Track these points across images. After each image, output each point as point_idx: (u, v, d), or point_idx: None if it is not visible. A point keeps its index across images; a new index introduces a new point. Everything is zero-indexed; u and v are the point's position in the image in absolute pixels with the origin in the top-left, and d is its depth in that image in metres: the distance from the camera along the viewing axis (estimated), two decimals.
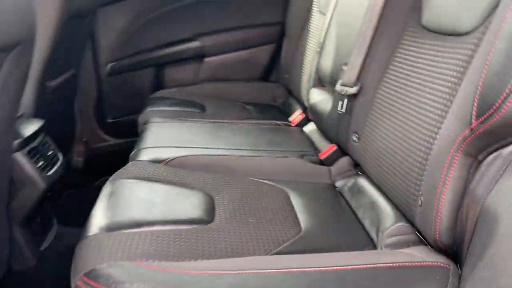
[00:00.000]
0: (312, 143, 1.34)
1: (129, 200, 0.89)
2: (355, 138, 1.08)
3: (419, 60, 0.89)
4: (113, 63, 1.95)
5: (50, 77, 1.46)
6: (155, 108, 1.62)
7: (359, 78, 1.08)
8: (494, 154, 0.62)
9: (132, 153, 1.20)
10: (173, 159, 1.12)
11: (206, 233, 0.81)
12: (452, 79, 0.75)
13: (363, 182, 1.03)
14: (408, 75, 0.92)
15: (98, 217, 0.83)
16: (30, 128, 1.20)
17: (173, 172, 1.04)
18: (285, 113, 1.71)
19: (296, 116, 1.54)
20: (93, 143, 2.02)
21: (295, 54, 1.80)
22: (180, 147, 1.20)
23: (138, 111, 1.74)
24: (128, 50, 1.96)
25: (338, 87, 1.12)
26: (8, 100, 0.91)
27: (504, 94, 0.56)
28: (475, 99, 0.62)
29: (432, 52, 0.86)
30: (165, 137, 1.28)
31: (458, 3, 0.81)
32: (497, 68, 0.59)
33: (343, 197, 1.05)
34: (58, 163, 1.28)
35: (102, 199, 0.90)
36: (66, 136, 1.86)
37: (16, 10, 0.84)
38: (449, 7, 0.84)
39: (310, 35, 1.68)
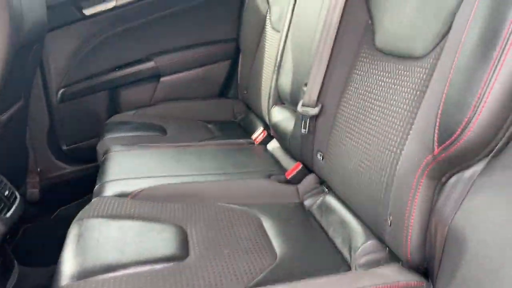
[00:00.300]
0: (277, 162, 1.36)
1: (99, 242, 0.86)
2: (319, 157, 1.10)
3: (376, 82, 0.93)
4: (64, 89, 1.88)
5: (0, 111, 1.39)
6: (113, 135, 1.58)
7: (319, 98, 1.11)
8: (457, 176, 0.66)
9: (96, 187, 1.16)
10: (140, 191, 1.09)
11: (183, 270, 0.80)
12: (411, 103, 0.78)
13: (331, 200, 1.06)
14: (366, 96, 0.95)
15: (68, 264, 0.80)
16: None
17: (141, 206, 1.02)
18: (247, 130, 1.72)
19: (259, 134, 1.55)
20: (48, 172, 1.94)
21: (252, 70, 1.82)
22: (145, 177, 1.17)
23: (94, 136, 1.68)
24: (79, 75, 1.90)
25: (299, 108, 1.15)
26: None
27: (464, 123, 0.59)
28: (436, 127, 0.65)
29: (387, 74, 0.89)
30: (128, 167, 1.25)
31: (410, 26, 0.85)
32: (454, 98, 0.62)
33: (313, 216, 1.07)
34: (16, 203, 1.22)
35: (70, 243, 0.87)
36: (20, 169, 1.77)
37: None
38: (401, 30, 0.88)
39: (265, 52, 1.70)
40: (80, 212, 1.00)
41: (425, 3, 0.82)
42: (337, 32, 1.08)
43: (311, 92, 1.12)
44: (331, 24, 1.08)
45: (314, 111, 1.10)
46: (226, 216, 1.00)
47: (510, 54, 0.55)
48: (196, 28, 2.01)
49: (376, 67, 0.95)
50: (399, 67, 0.86)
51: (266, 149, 1.47)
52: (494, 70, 0.56)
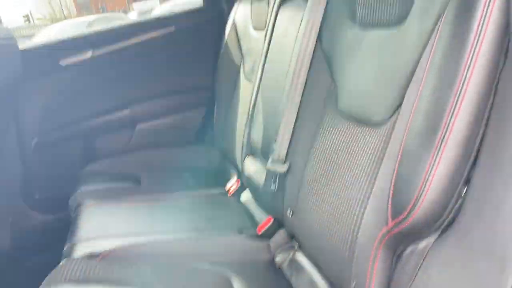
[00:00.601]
0: (250, 215, 1.37)
1: None
2: (290, 212, 1.12)
3: (339, 144, 0.96)
4: (38, 138, 1.88)
5: None
6: (86, 187, 1.57)
7: (287, 156, 1.14)
8: (411, 248, 0.68)
9: (66, 248, 1.15)
10: (110, 252, 1.09)
11: None
12: (369, 171, 0.81)
13: (301, 257, 1.07)
14: (331, 157, 0.99)
15: None
16: None
17: (110, 268, 1.01)
18: (222, 179, 1.74)
19: (232, 184, 1.57)
20: (20, 222, 1.90)
21: (226, 119, 1.85)
22: (115, 236, 1.17)
23: (68, 184, 1.67)
24: (54, 124, 1.90)
25: (269, 164, 1.17)
26: None
27: (413, 201, 0.63)
28: (389, 202, 0.69)
29: (349, 138, 0.93)
30: (98, 225, 1.25)
31: (367, 93, 0.90)
32: (404, 176, 0.66)
33: (283, 274, 1.08)
34: None
35: None
36: None
37: None
38: (360, 96, 0.92)
39: (239, 101, 1.74)
40: (48, 277, 0.98)
41: (382, 73, 0.86)
42: (303, 93, 1.13)
43: (280, 149, 1.15)
44: (298, 84, 1.13)
45: (282, 168, 1.13)
46: (197, 279, 1.00)
47: (452, 138, 0.59)
48: (172, 76, 2.06)
49: (339, 129, 0.99)
50: (359, 132, 0.90)
51: (238, 201, 1.49)
52: (438, 153, 0.60)
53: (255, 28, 1.69)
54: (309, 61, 1.11)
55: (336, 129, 0.99)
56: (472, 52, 0.59)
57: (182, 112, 2.06)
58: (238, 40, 1.85)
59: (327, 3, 1.10)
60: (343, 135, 0.96)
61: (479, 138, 0.59)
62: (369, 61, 0.90)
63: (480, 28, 0.59)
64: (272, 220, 1.24)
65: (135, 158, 1.92)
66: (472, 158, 0.60)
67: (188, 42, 2.03)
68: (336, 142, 0.98)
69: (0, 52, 1.51)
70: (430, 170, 0.61)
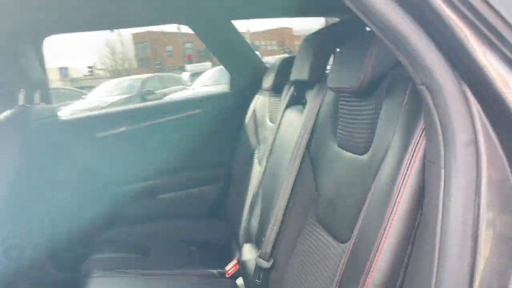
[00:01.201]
0: None
1: None
2: None
3: (317, 250, 1.04)
4: (68, 200, 2.06)
5: None
6: (99, 255, 1.70)
7: (272, 253, 1.22)
8: None
9: None
10: None
11: None
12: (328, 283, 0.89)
13: None
14: (309, 261, 1.06)
15: None
16: None
17: None
18: (227, 256, 1.82)
19: (231, 267, 1.64)
20: (40, 278, 2.05)
21: (238, 198, 1.97)
22: None
23: (86, 247, 1.81)
24: (85, 188, 2.10)
25: (257, 259, 1.26)
26: None
27: None
28: None
29: (323, 247, 1.01)
30: None
31: (336, 210, 0.99)
32: None
33: None
34: None
35: None
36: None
37: None
38: (331, 211, 1.01)
39: (250, 185, 1.86)
40: None
41: (347, 194, 0.96)
42: (291, 193, 1.23)
43: (266, 245, 1.24)
44: (286, 188, 1.23)
45: (266, 265, 1.21)
46: None
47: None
48: (193, 152, 2.23)
49: (316, 235, 1.07)
50: (330, 244, 0.98)
51: (234, 284, 1.56)
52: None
53: (270, 120, 1.83)
54: (299, 165, 1.23)
55: (314, 236, 1.07)
56: (401, 182, 0.69)
57: (199, 186, 2.20)
58: (256, 127, 2.01)
59: (317, 116, 1.22)
60: (319, 241, 1.04)
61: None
62: (340, 180, 1.00)
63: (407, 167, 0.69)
64: None
65: (151, 228, 2.05)
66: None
67: (212, 123, 2.21)
68: (314, 248, 1.06)
69: (46, 128, 1.74)
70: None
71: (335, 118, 1.09)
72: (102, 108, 9.65)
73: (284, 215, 1.22)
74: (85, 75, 26.82)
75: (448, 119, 0.57)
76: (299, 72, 1.40)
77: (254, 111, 2.07)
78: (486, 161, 0.56)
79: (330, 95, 1.18)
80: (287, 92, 1.58)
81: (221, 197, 2.23)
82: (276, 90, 1.76)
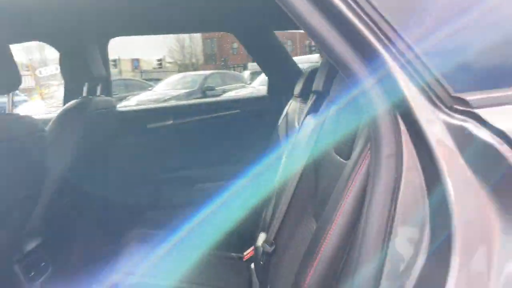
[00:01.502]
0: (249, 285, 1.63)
1: None
2: (269, 286, 1.37)
3: (307, 241, 1.21)
4: (116, 183, 2.37)
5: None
6: (139, 231, 1.98)
7: (275, 240, 1.40)
8: None
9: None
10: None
11: None
12: None
13: None
14: (302, 249, 1.24)
15: None
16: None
17: None
18: (247, 243, 2.01)
19: (248, 252, 1.84)
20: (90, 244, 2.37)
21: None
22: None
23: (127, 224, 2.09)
24: (133, 172, 2.40)
25: (259, 242, 1.45)
26: None
27: None
28: None
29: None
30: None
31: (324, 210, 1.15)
32: None
33: None
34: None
35: None
36: None
37: None
38: (321, 210, 1.18)
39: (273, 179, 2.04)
40: None
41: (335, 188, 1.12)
42: (293, 194, 1.40)
43: (271, 234, 1.42)
44: (291, 186, 1.41)
45: (269, 249, 1.40)
46: None
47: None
48: (229, 148, 2.45)
49: (310, 228, 1.24)
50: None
51: (249, 267, 1.75)
52: None
53: (298, 124, 2.01)
54: (303, 166, 1.40)
55: (307, 227, 1.24)
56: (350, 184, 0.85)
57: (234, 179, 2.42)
58: (287, 129, 2.18)
59: (323, 124, 1.38)
60: (310, 233, 1.20)
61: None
62: (333, 182, 1.16)
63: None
64: None
65: (187, 212, 2.30)
66: None
67: (248, 123, 2.42)
68: (306, 237, 1.23)
69: (104, 117, 2.04)
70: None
71: (335, 127, 1.25)
72: (165, 100, 10.26)
73: (287, 209, 1.40)
74: (154, 68, 28.19)
75: (377, 134, 0.72)
76: (317, 83, 1.56)
77: (286, 114, 2.25)
78: (405, 169, 0.71)
79: (335, 106, 1.34)
80: (310, 100, 1.74)
81: (253, 191, 2.43)
82: (304, 97, 1.93)
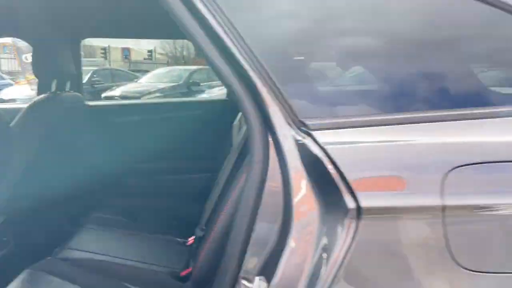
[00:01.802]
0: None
1: None
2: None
3: None
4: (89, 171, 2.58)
5: None
6: (97, 215, 2.19)
7: (206, 226, 1.64)
8: None
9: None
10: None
11: None
12: None
13: None
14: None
15: None
16: None
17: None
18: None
19: (192, 238, 2.07)
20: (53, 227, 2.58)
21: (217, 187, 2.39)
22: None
23: (93, 208, 2.31)
24: (103, 161, 2.61)
25: (198, 231, 1.68)
26: None
27: None
28: None
29: None
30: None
31: None
32: None
33: None
34: None
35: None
36: None
37: None
38: None
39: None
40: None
41: None
42: (223, 186, 1.63)
43: (203, 219, 1.66)
44: (222, 180, 1.64)
45: (200, 234, 1.63)
46: None
47: None
48: (191, 145, 2.67)
49: None
50: None
51: (188, 249, 1.98)
52: None
53: None
54: (235, 161, 1.63)
55: None
56: None
57: (190, 173, 2.65)
58: (239, 129, 2.42)
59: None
60: None
61: None
62: None
63: None
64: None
65: (144, 202, 2.52)
66: None
67: (208, 122, 2.65)
68: None
69: (72, 112, 2.23)
70: None
71: None
72: (150, 92, 10.43)
73: (218, 198, 1.63)
74: (145, 58, 28.17)
75: (252, 143, 0.96)
76: None
77: (241, 116, 2.48)
78: (270, 169, 0.94)
79: None
80: None
81: (207, 185, 2.66)
82: None
